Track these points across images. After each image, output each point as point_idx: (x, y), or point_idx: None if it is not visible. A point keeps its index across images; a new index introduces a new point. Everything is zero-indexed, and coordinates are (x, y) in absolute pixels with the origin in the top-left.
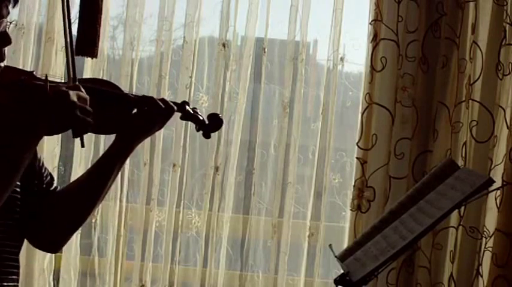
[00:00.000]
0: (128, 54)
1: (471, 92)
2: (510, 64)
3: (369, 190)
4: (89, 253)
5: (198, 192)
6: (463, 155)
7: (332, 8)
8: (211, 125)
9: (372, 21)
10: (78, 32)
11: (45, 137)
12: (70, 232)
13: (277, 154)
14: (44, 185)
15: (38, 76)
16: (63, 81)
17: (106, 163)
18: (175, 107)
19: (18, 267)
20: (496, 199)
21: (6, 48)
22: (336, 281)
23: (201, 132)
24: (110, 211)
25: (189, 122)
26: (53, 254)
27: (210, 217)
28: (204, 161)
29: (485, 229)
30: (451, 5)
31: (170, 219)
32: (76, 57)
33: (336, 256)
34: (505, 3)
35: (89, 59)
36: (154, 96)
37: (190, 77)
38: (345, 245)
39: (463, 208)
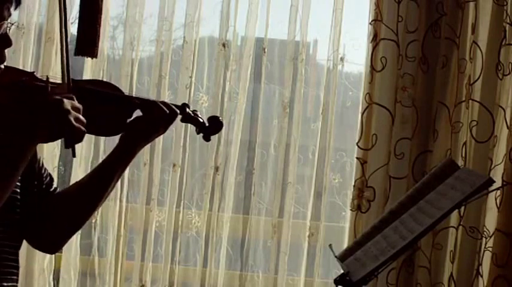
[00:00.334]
0: (128, 54)
1: (471, 92)
2: (510, 64)
3: (369, 190)
4: (89, 253)
5: (198, 192)
6: (463, 155)
7: (332, 8)
8: (211, 127)
9: (372, 21)
10: (78, 32)
11: None
12: (69, 233)
13: (277, 154)
14: (44, 186)
15: (39, 77)
16: (61, 81)
17: (108, 167)
18: (178, 111)
19: (17, 267)
20: (496, 199)
21: (6, 50)
22: (336, 281)
23: (201, 135)
24: (110, 211)
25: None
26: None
27: (210, 217)
28: (204, 161)
29: (485, 229)
30: (451, 5)
31: (170, 219)
32: (76, 57)
33: (336, 256)
34: (505, 3)
35: (89, 59)
36: (156, 99)
37: (190, 77)
38: (345, 245)
39: (463, 208)
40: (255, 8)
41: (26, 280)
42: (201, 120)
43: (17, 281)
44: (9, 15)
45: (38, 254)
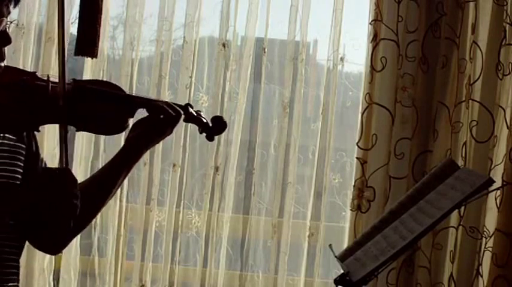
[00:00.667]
0: (128, 54)
1: (471, 92)
2: (510, 64)
3: (369, 190)
4: (89, 253)
5: (198, 192)
6: (463, 155)
7: (332, 8)
8: (214, 127)
9: (372, 21)
10: (78, 32)
11: (45, 137)
12: (71, 234)
13: (277, 154)
14: None
15: (40, 76)
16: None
17: (112, 169)
18: (182, 112)
19: (18, 268)
20: (496, 199)
21: (6, 48)
22: (336, 281)
23: (204, 134)
24: (110, 211)
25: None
26: None
27: (210, 217)
28: (204, 161)
29: (485, 229)
30: (451, 5)
31: (170, 219)
32: (76, 57)
33: (336, 256)
34: (505, 3)
35: (89, 59)
36: (157, 98)
37: (190, 77)
38: (345, 245)
39: (463, 208)
40: (255, 8)
41: (26, 280)
42: (204, 120)
43: (17, 281)
44: (9, 12)
45: (38, 254)
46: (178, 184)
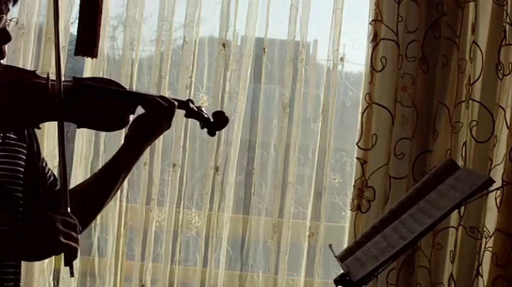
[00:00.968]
0: (128, 54)
1: (471, 92)
2: (510, 64)
3: (369, 190)
4: (89, 253)
5: (198, 192)
6: (463, 155)
7: (332, 8)
8: (216, 122)
9: (372, 21)
10: (78, 32)
11: (45, 137)
12: None
13: (277, 154)
14: (48, 186)
15: (39, 74)
16: (63, 79)
17: (113, 168)
18: (177, 103)
19: (19, 267)
20: (496, 199)
21: (6, 46)
22: (336, 281)
23: (205, 130)
24: (110, 211)
25: (191, 122)
26: None
27: (210, 217)
28: (204, 161)
29: (485, 229)
30: (451, 5)
31: (170, 219)
32: (76, 57)
33: (336, 256)
34: (505, 3)
35: (89, 59)
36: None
37: (190, 77)
38: (345, 245)
39: (463, 208)
40: (255, 8)
41: (26, 280)
42: (206, 116)
43: (18, 281)
44: (8, 10)
45: None
46: (178, 184)
